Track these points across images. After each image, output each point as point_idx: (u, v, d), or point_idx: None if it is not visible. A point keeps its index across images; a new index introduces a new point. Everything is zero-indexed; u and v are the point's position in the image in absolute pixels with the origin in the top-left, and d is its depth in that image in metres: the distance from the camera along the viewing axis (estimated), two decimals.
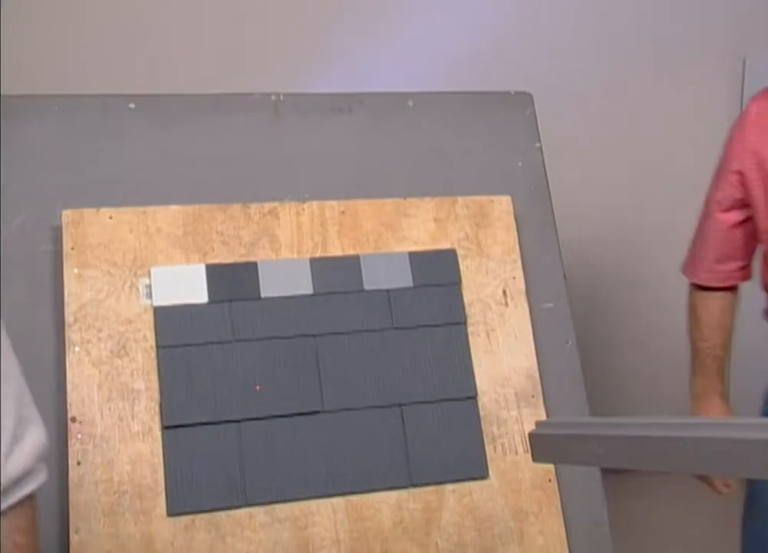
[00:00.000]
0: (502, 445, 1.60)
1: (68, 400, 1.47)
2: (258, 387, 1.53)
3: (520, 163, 1.80)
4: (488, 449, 1.59)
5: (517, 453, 1.60)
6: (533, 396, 1.63)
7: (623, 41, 2.73)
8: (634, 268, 2.92)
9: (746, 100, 2.95)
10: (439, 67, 2.40)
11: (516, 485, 1.59)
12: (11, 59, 2.45)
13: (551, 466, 1.60)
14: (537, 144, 1.82)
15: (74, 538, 1.41)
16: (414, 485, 1.55)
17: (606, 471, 1.72)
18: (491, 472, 1.58)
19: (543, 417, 1.63)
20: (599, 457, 0.81)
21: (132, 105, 1.67)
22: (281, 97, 1.75)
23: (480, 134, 1.81)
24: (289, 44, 2.47)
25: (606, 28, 2.68)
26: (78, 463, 1.44)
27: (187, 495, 1.47)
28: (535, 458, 0.97)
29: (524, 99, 1.85)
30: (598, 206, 2.69)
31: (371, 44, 2.45)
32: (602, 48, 2.69)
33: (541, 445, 0.91)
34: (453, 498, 1.56)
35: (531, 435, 0.91)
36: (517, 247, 1.70)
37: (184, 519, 1.46)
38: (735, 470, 0.87)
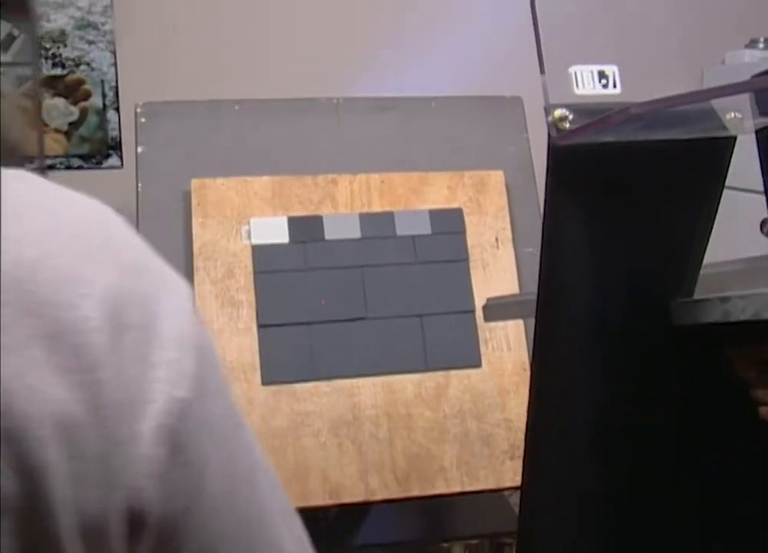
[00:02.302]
0: (492, 344, 2.11)
1: (195, 306, 2.01)
2: (323, 302, 2.06)
3: (512, 148, 2.30)
4: (482, 347, 2.10)
5: (502, 350, 2.11)
6: None
7: (610, 55, 3.20)
8: None
9: None
10: (454, 76, 2.93)
11: (501, 371, 2.09)
12: (157, 72, 3.03)
13: (526, 359, 2.11)
14: (525, 135, 2.32)
15: None
16: (429, 370, 2.06)
17: None
18: (483, 363, 2.09)
19: (522, 327, 2.13)
20: (522, 313, 1.32)
21: (237, 107, 2.21)
22: (341, 100, 2.26)
23: (483, 127, 2.30)
24: (343, 59, 3.05)
25: (582, 45, 3.15)
26: None
27: (274, 371, 2.01)
28: (486, 319, 1.46)
29: (516, 101, 2.34)
30: None
31: (403, 58, 2.99)
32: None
33: (489, 311, 1.40)
34: (456, 380, 2.07)
35: (483, 306, 1.41)
36: (506, 208, 2.20)
37: (273, 388, 2.00)
38: None
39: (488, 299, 1.42)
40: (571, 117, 0.84)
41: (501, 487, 2.04)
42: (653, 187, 0.93)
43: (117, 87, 3.11)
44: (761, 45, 3.17)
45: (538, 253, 2.28)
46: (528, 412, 0.99)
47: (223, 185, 2.10)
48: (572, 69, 0.88)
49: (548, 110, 0.84)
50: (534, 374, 0.99)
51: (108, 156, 3.14)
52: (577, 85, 0.87)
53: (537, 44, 0.82)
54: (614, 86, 0.89)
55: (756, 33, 3.21)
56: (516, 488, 2.07)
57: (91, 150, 3.14)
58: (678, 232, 0.96)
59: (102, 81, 3.09)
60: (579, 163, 0.88)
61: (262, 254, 2.06)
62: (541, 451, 1.04)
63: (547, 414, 1.02)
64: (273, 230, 2.09)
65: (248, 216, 2.09)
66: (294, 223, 2.10)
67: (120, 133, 3.13)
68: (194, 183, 2.09)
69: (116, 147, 3.14)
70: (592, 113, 0.85)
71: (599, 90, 0.88)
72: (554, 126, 0.83)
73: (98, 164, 3.15)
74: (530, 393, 0.99)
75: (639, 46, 3.19)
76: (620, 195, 0.92)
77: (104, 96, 3.11)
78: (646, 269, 0.98)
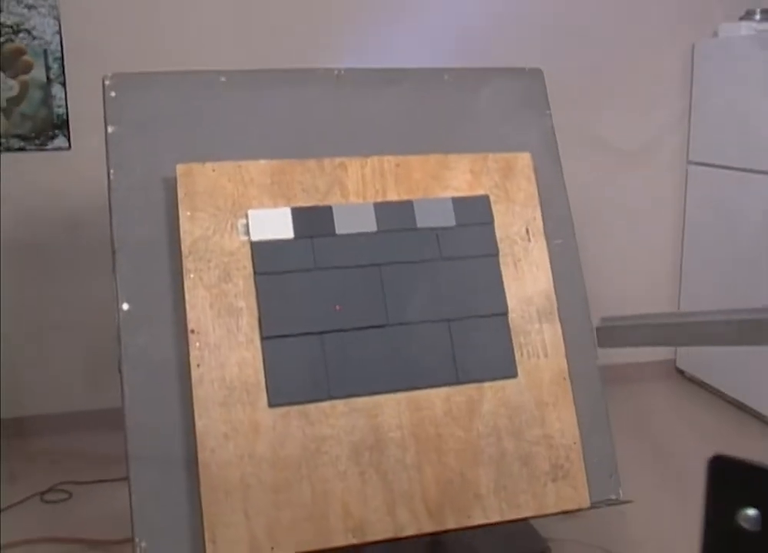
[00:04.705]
0: (527, 351, 1.76)
1: (188, 316, 1.61)
2: (338, 307, 1.68)
3: (534, 127, 1.94)
4: (516, 354, 1.75)
5: (538, 357, 1.77)
6: (550, 313, 1.80)
7: (606, 32, 2.92)
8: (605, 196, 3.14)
9: (696, 80, 3.11)
10: (468, 45, 2.56)
11: (538, 382, 1.76)
12: (131, 44, 2.58)
13: (565, 366, 1.77)
14: (548, 111, 1.97)
15: (198, 423, 1.56)
16: (459, 383, 1.71)
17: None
18: (519, 372, 1.75)
19: (558, 330, 1.79)
20: (651, 339, 0.98)
21: (223, 78, 1.79)
22: (342, 72, 1.87)
23: (502, 102, 1.94)
24: (340, 25, 2.66)
25: (593, 20, 2.85)
26: (198, 365, 1.59)
27: (283, 390, 1.62)
28: (600, 345, 1.12)
29: (537, 74, 1.98)
30: (587, 160, 2.90)
31: (406, 25, 2.61)
32: (589, 34, 2.87)
33: (604, 335, 1.06)
34: (490, 393, 1.72)
35: (597, 328, 1.07)
36: (536, 194, 1.85)
37: (282, 410, 1.61)
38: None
39: (603, 319, 1.07)
40: None
41: (544, 513, 1.71)
42: None
43: (62, 58, 2.63)
44: (758, 17, 2.88)
45: (569, 245, 1.95)
46: None
47: (213, 171, 1.69)
48: None
49: None
50: None
51: (54, 136, 2.67)
52: None
53: None
54: None
55: (752, 4, 2.92)
56: (561, 513, 1.74)
57: (34, 129, 2.65)
58: None
59: (45, 52, 2.61)
60: None
61: (263, 252, 1.67)
62: None
63: None
64: (275, 224, 1.69)
65: (245, 207, 1.69)
66: (299, 215, 1.71)
67: (66, 110, 2.66)
68: (179, 168, 1.67)
69: (62, 126, 2.67)
70: None
71: None
72: None
73: (42, 146, 2.67)
74: None
75: (626, 20, 2.87)
76: None
77: (47, 68, 2.62)
78: None
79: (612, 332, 1.04)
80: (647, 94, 3.10)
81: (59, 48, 2.61)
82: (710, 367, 3.16)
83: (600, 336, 1.06)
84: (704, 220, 3.14)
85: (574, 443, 1.74)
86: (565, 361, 1.77)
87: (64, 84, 2.64)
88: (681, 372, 3.35)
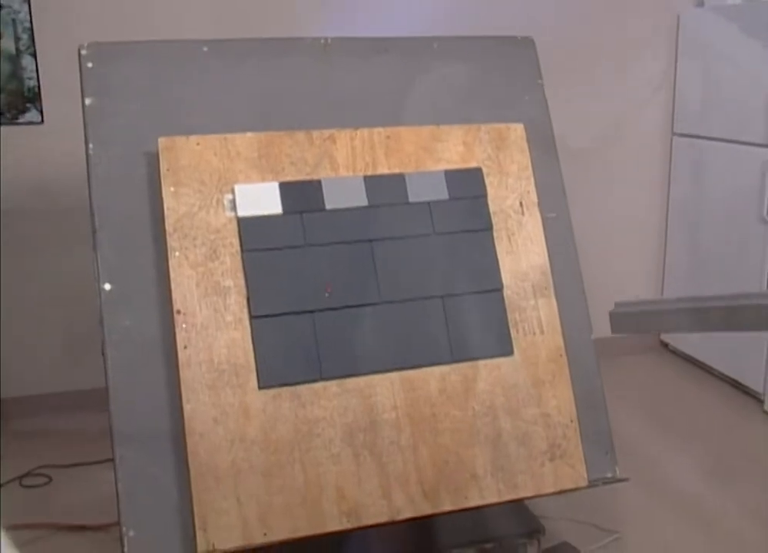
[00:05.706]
0: (523, 328, 1.72)
1: (173, 296, 1.54)
2: (328, 286, 1.61)
3: (527, 97, 1.88)
4: (512, 332, 1.71)
5: (534, 334, 1.72)
6: (546, 288, 1.75)
7: (591, 2, 2.87)
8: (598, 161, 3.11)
9: (681, 51, 3.06)
10: (455, 14, 2.49)
11: (534, 359, 1.71)
12: (104, 12, 2.47)
13: (561, 343, 1.73)
14: (540, 81, 1.91)
15: (186, 407, 1.50)
16: (454, 361, 1.66)
17: None
18: (514, 350, 1.70)
19: (554, 305, 1.74)
20: (666, 326, 0.93)
21: (205, 48, 1.71)
22: (329, 41, 1.80)
23: (493, 72, 1.88)
24: None
25: None
26: (185, 347, 1.53)
27: (273, 372, 1.56)
28: (613, 331, 1.07)
29: (528, 43, 1.92)
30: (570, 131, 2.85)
31: None
32: (574, 4, 2.82)
33: (618, 321, 1.01)
34: (485, 371, 1.68)
35: (611, 313, 1.02)
36: (530, 166, 1.79)
37: (272, 391, 1.56)
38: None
39: (617, 304, 1.02)
40: None
41: (542, 493, 1.67)
42: None
43: (32, 28, 2.52)
44: None
45: (563, 218, 1.90)
46: None
47: (198, 144, 1.61)
48: None
49: None
50: None
51: (25, 110, 2.57)
52: None
53: None
54: None
55: None
56: (559, 492, 1.70)
57: (5, 103, 2.55)
58: None
59: (14, 21, 2.50)
60: None
61: (250, 229, 1.60)
62: None
63: None
64: (263, 199, 1.62)
65: (231, 182, 1.62)
66: (288, 189, 1.64)
67: (38, 82, 2.56)
68: (162, 142, 1.60)
69: (34, 99, 2.57)
70: None
71: None
72: None
73: (14, 120, 2.57)
74: None
75: None
76: None
77: (16, 39, 2.52)
78: None
79: (627, 319, 0.99)
80: (631, 65, 3.05)
81: (28, 18, 2.51)
82: (695, 341, 3.14)
83: (614, 322, 1.01)
84: (689, 191, 3.10)
85: (571, 421, 1.71)
86: (561, 337, 1.73)
87: (34, 55, 2.54)
88: (666, 346, 3.33)
